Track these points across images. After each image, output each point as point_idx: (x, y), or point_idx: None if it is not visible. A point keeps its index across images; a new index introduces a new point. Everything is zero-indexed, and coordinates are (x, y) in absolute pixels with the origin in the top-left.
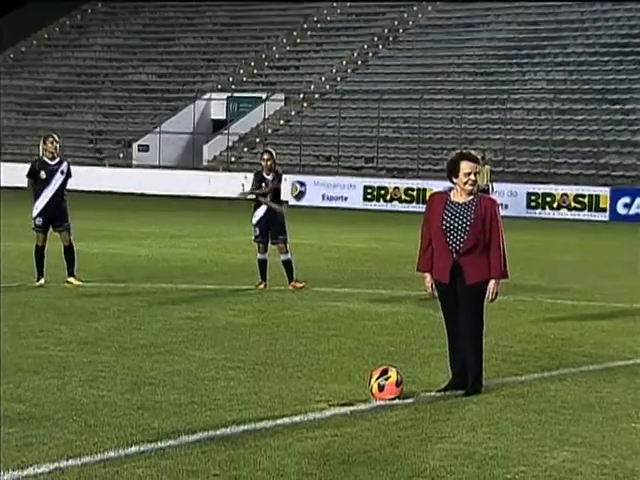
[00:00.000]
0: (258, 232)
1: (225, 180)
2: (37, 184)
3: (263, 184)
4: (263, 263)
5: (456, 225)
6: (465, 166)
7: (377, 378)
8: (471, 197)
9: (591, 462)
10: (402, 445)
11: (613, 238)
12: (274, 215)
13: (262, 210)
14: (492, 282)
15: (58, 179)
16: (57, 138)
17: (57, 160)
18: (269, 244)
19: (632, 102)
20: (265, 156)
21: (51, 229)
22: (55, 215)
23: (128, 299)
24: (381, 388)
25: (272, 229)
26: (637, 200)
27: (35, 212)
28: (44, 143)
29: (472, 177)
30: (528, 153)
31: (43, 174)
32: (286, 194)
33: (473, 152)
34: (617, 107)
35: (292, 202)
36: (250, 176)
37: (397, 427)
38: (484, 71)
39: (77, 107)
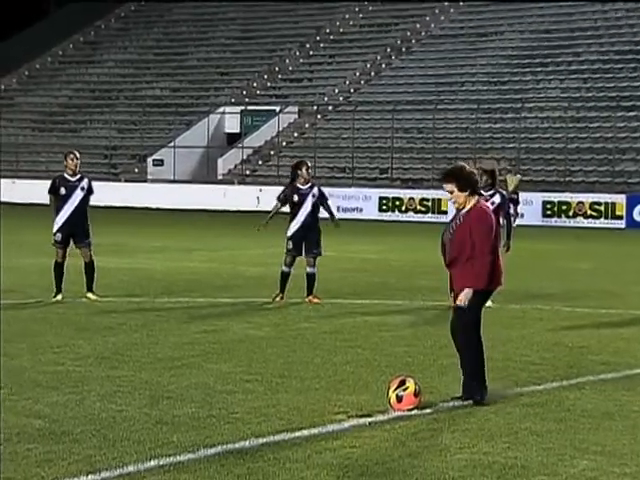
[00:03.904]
0: (292, 245)
1: (240, 193)
2: (58, 200)
3: (296, 196)
4: (286, 276)
5: (449, 238)
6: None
7: (395, 389)
8: (467, 208)
9: (611, 471)
10: (421, 456)
11: (630, 245)
12: (310, 229)
13: (298, 223)
14: (464, 291)
15: (78, 195)
16: (78, 155)
17: (78, 177)
18: (298, 257)
19: None
20: (304, 167)
21: (72, 245)
22: (76, 231)
23: (145, 314)
24: (399, 399)
25: (307, 242)
26: None
27: (55, 228)
28: (65, 160)
29: (451, 197)
30: (543, 161)
31: (63, 190)
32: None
33: (454, 166)
34: (632, 114)
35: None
36: (266, 189)
37: (416, 438)
38: (498, 80)
39: (92, 123)
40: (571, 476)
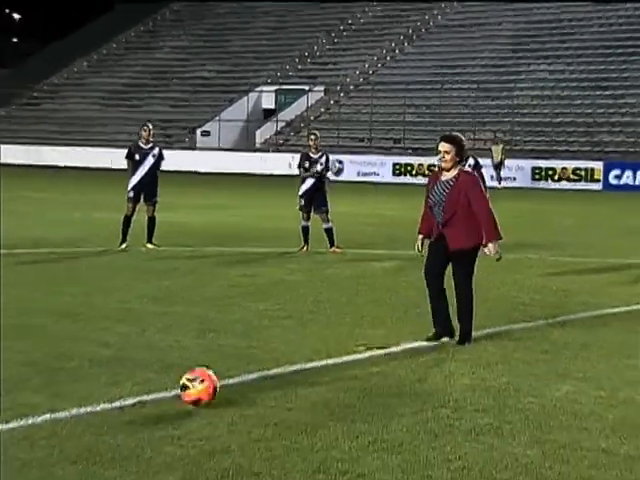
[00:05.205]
0: (303, 202)
1: (275, 159)
2: (133, 164)
3: (307, 163)
4: (306, 229)
5: (437, 200)
6: (439, 146)
7: (191, 379)
8: (453, 174)
9: (589, 393)
10: (429, 380)
11: (606, 205)
12: (318, 189)
13: (307, 184)
14: (490, 245)
15: (149, 161)
16: (150, 126)
17: (150, 145)
18: (312, 213)
19: (621, 89)
20: (312, 137)
21: (142, 201)
22: (146, 191)
23: (195, 260)
24: (183, 388)
25: (315, 200)
26: (626, 172)
27: (129, 186)
28: (140, 130)
29: (444, 156)
30: (533, 133)
31: (137, 156)
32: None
33: (455, 133)
34: (608, 93)
35: (332, 177)
36: (297, 157)
37: (425, 366)
38: (494, 64)
39: (150, 99)
40: (556, 398)
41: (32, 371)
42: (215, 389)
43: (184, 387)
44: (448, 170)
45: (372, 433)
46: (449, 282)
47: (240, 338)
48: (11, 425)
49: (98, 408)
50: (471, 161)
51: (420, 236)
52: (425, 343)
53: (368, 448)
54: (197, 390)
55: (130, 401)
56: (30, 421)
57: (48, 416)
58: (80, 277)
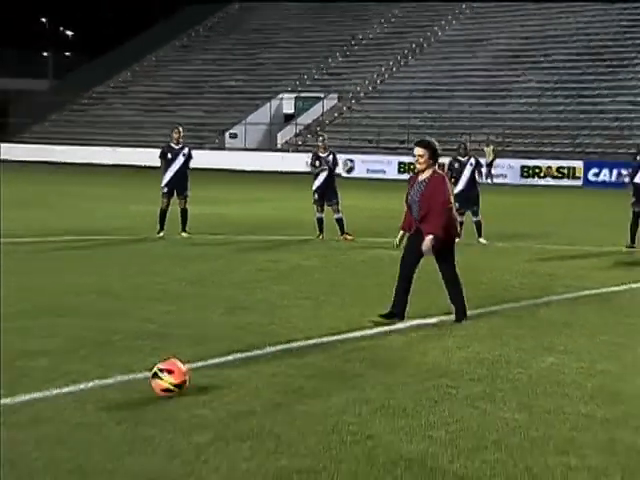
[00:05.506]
0: (317, 197)
1: (294, 159)
2: (166, 163)
3: (317, 162)
4: (320, 220)
5: (413, 199)
6: (414, 150)
7: (164, 372)
8: (427, 175)
9: (571, 365)
10: (429, 353)
11: (586, 199)
12: (329, 184)
13: (320, 180)
14: (427, 238)
15: (180, 160)
16: (181, 129)
17: (180, 145)
18: (325, 206)
19: (599, 97)
20: (320, 138)
21: (175, 195)
22: (177, 186)
23: (224, 247)
24: (156, 375)
25: (327, 194)
26: (604, 170)
27: (163, 182)
28: (171, 132)
29: (419, 159)
30: (522, 136)
31: (169, 156)
32: (339, 169)
33: (429, 139)
34: (588, 100)
35: (344, 175)
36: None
37: (426, 340)
38: (488, 74)
39: (184, 106)
40: (541, 369)
41: (81, 343)
42: (184, 381)
43: (155, 375)
44: (423, 171)
45: (380, 399)
46: (437, 274)
47: (264, 316)
48: (64, 390)
49: (140, 376)
50: (472, 161)
51: (401, 232)
52: (424, 321)
53: (376, 413)
54: (167, 380)
55: None
56: (81, 386)
57: (97, 382)
58: (123, 262)
